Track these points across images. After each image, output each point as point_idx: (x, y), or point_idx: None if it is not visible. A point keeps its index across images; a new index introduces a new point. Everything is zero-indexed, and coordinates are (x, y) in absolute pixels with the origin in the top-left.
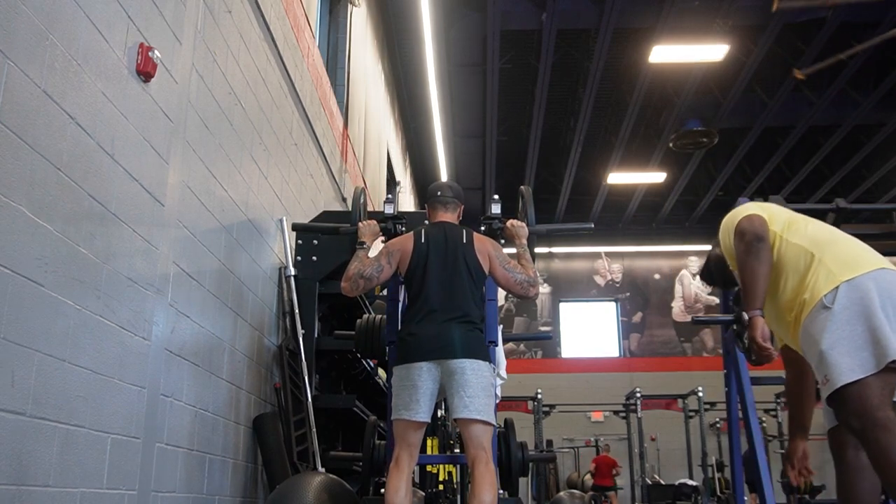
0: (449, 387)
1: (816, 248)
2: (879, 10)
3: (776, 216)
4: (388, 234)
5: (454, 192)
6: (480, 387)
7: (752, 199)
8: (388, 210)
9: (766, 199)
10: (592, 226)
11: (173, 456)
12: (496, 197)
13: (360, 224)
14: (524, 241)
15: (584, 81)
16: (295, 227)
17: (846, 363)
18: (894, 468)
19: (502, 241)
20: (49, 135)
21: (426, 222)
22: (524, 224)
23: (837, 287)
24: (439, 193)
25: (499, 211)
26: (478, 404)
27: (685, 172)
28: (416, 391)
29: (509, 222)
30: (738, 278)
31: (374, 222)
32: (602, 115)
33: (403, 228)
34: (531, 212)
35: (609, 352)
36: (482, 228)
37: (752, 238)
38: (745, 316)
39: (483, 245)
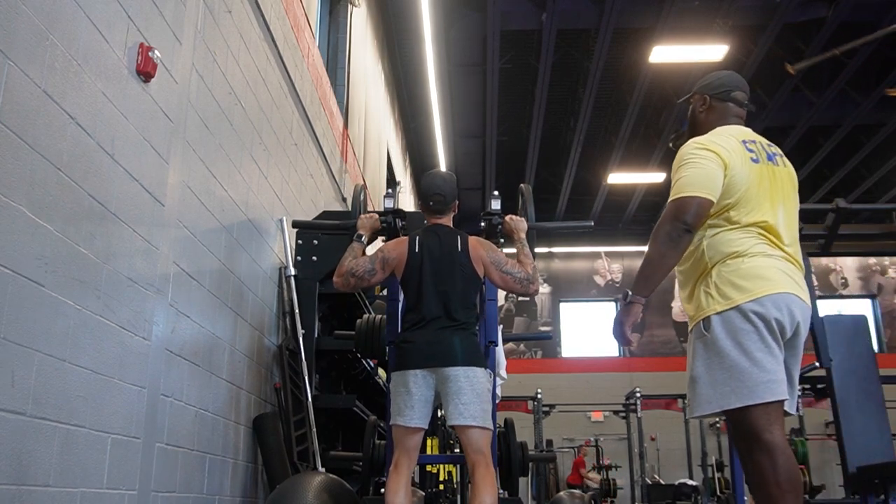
0: (444, 394)
1: (712, 259)
2: (879, 10)
3: (726, 192)
4: (388, 228)
5: (447, 197)
6: (475, 393)
7: None
8: (388, 205)
9: None
10: (592, 224)
11: (173, 456)
12: (496, 193)
13: (360, 217)
14: (523, 236)
15: (584, 81)
16: (295, 224)
17: (707, 395)
18: (766, 495)
19: (502, 241)
20: (49, 135)
21: (425, 222)
22: (523, 219)
23: (710, 317)
24: (431, 204)
25: (498, 207)
26: (473, 410)
27: None
28: (410, 398)
29: (508, 217)
30: (646, 253)
31: (375, 216)
32: (602, 115)
33: (403, 223)
34: (531, 210)
35: (609, 352)
36: (482, 224)
37: (683, 228)
38: (629, 294)
39: (477, 251)
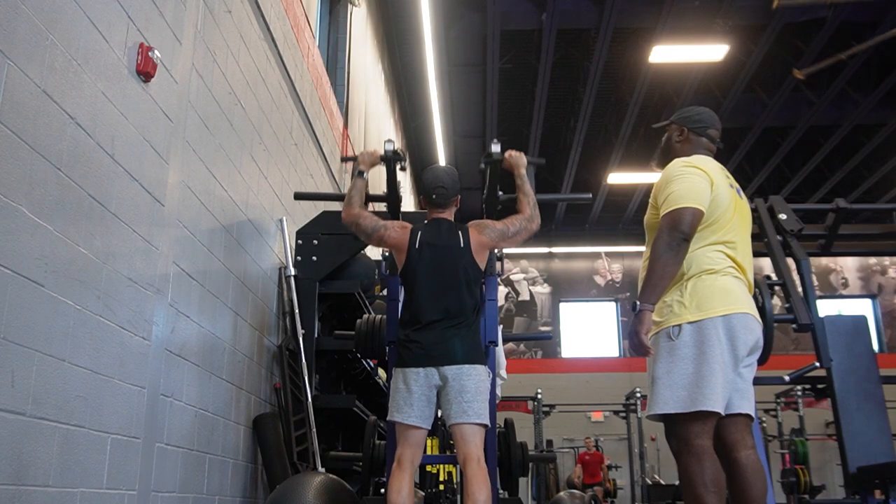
0: (447, 392)
1: (689, 271)
2: (879, 9)
3: (709, 210)
4: (388, 164)
5: (449, 190)
6: (478, 391)
7: (751, 199)
8: (389, 149)
9: (765, 200)
10: (590, 196)
11: (173, 456)
12: (496, 140)
13: (360, 152)
14: (523, 172)
15: (584, 81)
16: (297, 196)
17: (664, 396)
18: (691, 493)
19: (501, 195)
20: (49, 135)
21: (425, 221)
22: (522, 154)
23: (682, 325)
24: (434, 197)
25: (498, 150)
26: (476, 408)
27: None
28: (410, 395)
29: (507, 153)
30: (648, 264)
31: (375, 150)
32: (602, 115)
33: (403, 164)
34: (532, 179)
35: (609, 352)
36: (482, 166)
37: (680, 237)
38: (637, 304)
39: (480, 242)
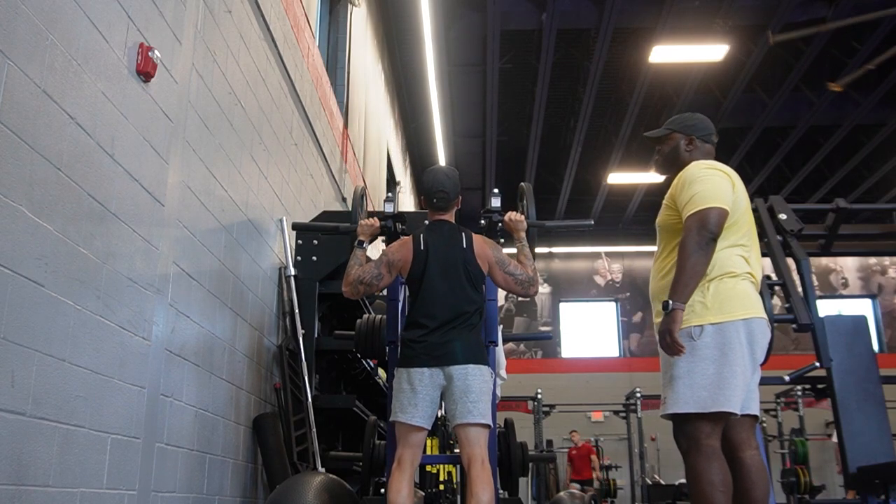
0: (451, 392)
1: (711, 273)
2: (879, 10)
3: (730, 210)
4: (388, 233)
5: (450, 194)
6: (482, 391)
7: (751, 199)
8: (388, 209)
9: (765, 200)
10: (592, 223)
11: (173, 456)
12: (496, 191)
13: (360, 223)
14: (523, 235)
15: (584, 81)
16: (295, 227)
17: (684, 395)
18: (699, 491)
19: (502, 241)
20: (49, 135)
21: (426, 222)
22: (523, 218)
23: (703, 326)
24: (435, 201)
25: (498, 204)
26: (481, 408)
27: None
28: (414, 395)
29: (507, 216)
30: (678, 263)
31: (375, 221)
32: (602, 115)
33: (403, 227)
34: (531, 208)
35: (609, 352)
36: (482, 223)
37: (709, 237)
38: (670, 303)
39: (483, 250)
